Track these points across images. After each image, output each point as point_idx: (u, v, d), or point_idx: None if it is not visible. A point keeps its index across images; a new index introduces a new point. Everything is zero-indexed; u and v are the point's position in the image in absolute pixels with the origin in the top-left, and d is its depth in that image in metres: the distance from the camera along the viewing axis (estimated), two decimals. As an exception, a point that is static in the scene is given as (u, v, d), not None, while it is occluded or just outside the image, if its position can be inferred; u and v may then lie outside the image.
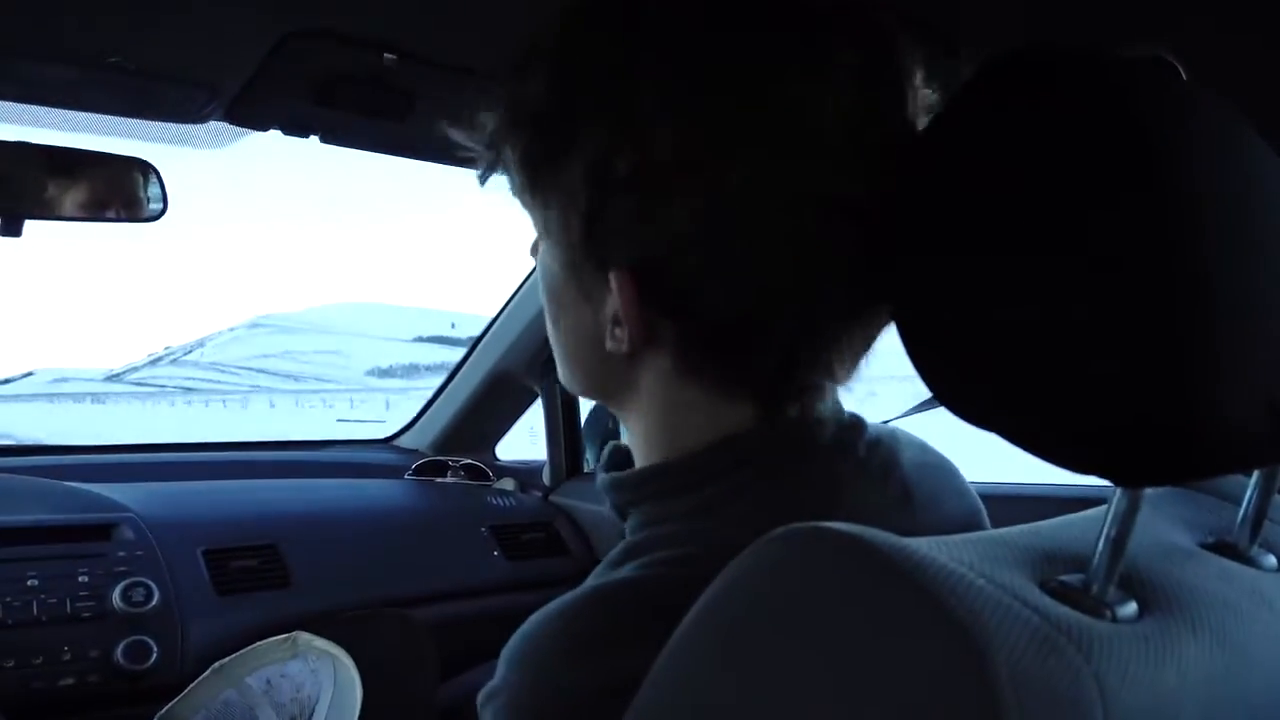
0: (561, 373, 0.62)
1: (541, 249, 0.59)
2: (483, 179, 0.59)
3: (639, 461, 0.60)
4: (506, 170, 0.56)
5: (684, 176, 0.49)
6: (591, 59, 0.51)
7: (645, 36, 0.50)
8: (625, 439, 0.63)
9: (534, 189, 0.55)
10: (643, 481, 0.58)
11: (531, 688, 0.49)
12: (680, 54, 0.49)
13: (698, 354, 0.54)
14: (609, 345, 0.54)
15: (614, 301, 0.52)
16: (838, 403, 0.59)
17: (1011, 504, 0.67)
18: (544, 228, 0.56)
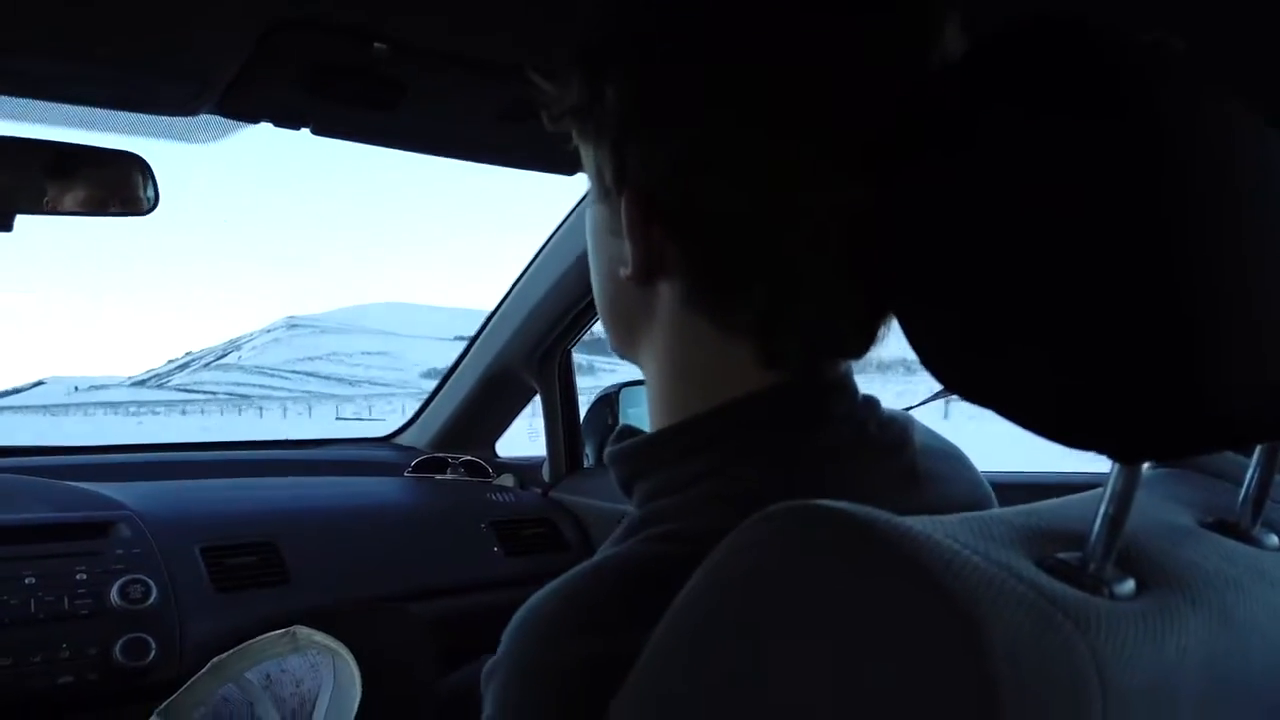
0: (601, 318, 0.65)
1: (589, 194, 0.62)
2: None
3: (651, 425, 0.61)
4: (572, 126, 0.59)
5: (676, 114, 0.52)
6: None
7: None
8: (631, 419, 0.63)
9: (582, 133, 0.58)
10: (643, 450, 0.59)
11: (528, 659, 0.49)
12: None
13: (699, 282, 0.55)
14: (622, 271, 0.57)
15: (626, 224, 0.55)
16: (851, 379, 0.59)
17: (1011, 490, 0.67)
18: (589, 169, 0.59)
